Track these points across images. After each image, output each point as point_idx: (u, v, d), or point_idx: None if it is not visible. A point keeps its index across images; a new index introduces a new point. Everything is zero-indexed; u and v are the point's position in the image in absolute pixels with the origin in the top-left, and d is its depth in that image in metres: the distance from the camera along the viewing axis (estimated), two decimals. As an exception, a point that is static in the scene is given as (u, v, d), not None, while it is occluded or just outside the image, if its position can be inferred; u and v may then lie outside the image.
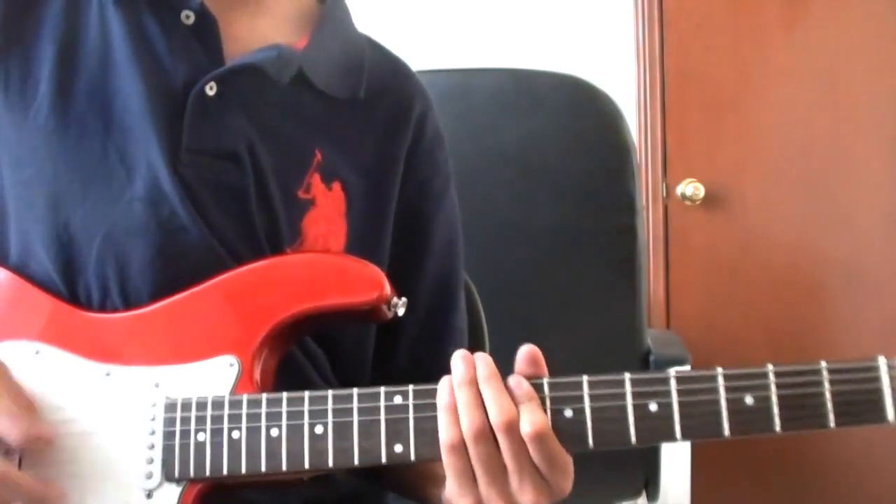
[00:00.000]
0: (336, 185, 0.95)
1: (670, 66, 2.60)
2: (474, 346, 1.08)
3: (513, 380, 0.77)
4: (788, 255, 2.58)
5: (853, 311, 2.55)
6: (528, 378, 0.78)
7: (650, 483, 1.72)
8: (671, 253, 2.59)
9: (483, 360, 0.78)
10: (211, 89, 0.90)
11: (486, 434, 0.75)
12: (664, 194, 2.60)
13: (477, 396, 0.76)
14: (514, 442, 0.75)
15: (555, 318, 1.61)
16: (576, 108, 1.65)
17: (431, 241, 1.03)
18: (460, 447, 0.76)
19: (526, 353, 0.79)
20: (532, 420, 0.75)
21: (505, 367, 0.79)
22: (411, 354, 1.03)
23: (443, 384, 0.78)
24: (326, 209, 0.95)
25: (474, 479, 0.76)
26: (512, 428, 0.75)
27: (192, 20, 0.92)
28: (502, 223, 1.59)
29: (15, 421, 0.79)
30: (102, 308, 0.88)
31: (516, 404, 0.76)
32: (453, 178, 1.08)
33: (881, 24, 2.57)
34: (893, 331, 2.50)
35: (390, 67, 1.05)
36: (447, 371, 1.03)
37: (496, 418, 0.75)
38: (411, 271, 1.01)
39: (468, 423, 0.76)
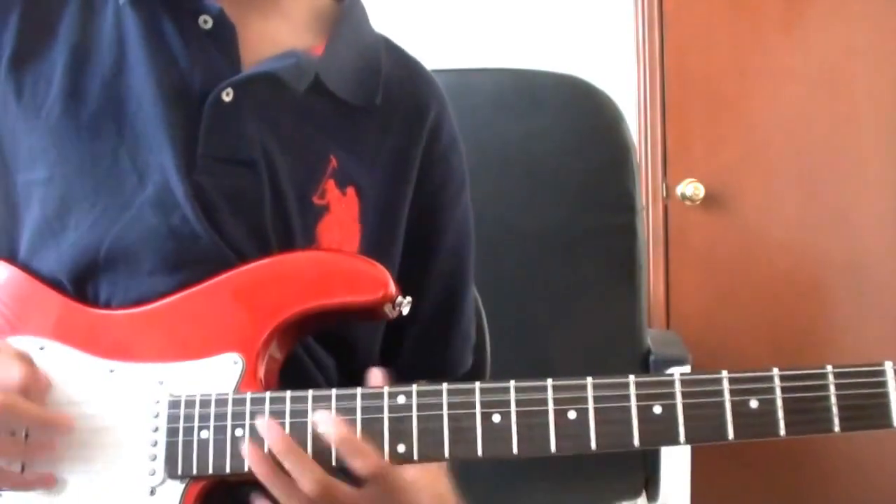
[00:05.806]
0: (350, 191, 0.95)
1: (670, 67, 2.60)
2: (475, 347, 1.08)
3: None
4: (788, 255, 2.57)
5: (853, 311, 2.55)
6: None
7: (650, 483, 1.71)
8: (671, 253, 2.58)
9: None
10: (227, 95, 0.89)
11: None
12: (664, 194, 2.60)
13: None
14: None
15: (555, 319, 1.61)
16: (576, 108, 1.65)
17: (440, 246, 1.03)
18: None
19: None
20: None
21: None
22: (416, 355, 1.03)
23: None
24: (340, 214, 0.94)
25: None
26: None
27: (209, 25, 0.91)
28: (502, 223, 1.58)
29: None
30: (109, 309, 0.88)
31: None
32: (468, 183, 1.07)
33: (881, 24, 2.57)
34: (894, 330, 2.50)
35: (407, 71, 1.04)
36: (450, 371, 1.05)
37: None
38: (418, 274, 1.01)
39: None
